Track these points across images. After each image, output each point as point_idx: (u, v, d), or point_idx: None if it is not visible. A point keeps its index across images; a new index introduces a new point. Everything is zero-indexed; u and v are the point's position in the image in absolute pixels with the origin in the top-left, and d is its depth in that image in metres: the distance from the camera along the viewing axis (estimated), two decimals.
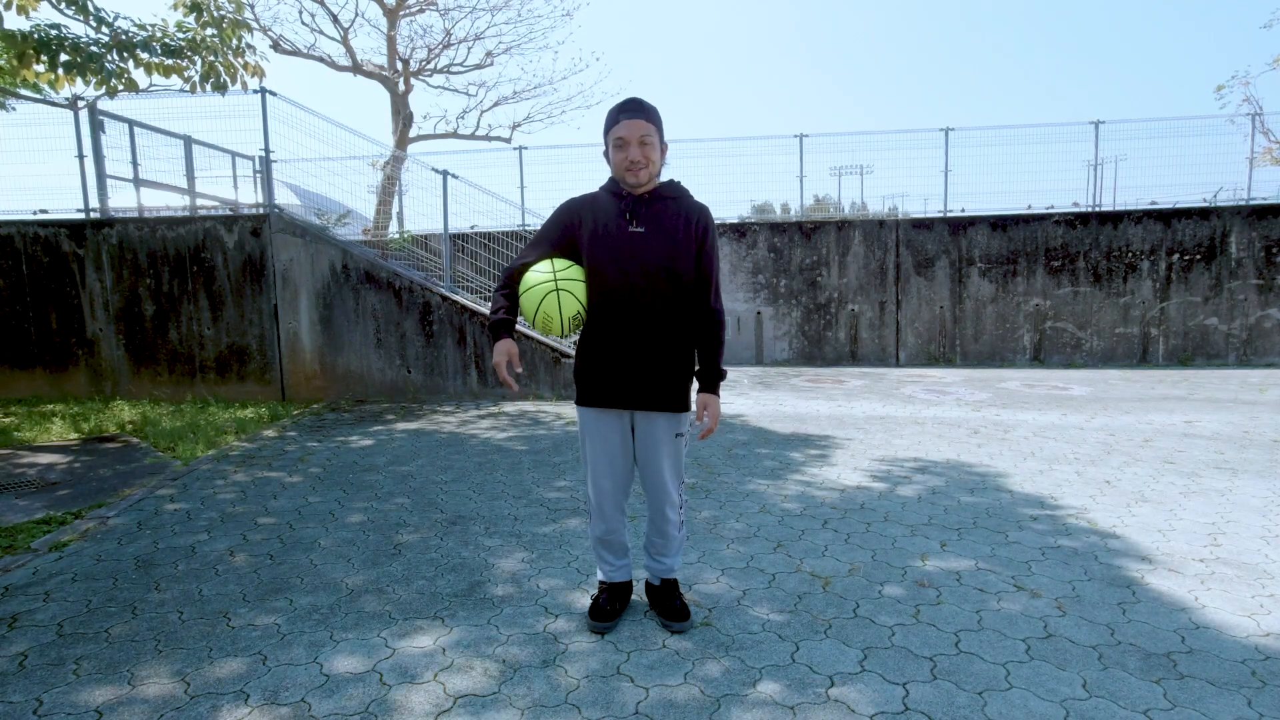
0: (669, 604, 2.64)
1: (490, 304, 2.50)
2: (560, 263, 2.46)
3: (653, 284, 2.41)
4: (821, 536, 3.51)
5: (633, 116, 2.35)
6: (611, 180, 2.49)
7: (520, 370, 2.42)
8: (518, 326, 2.68)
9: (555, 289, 2.39)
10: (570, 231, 2.49)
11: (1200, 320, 10.29)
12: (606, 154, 2.45)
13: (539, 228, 2.57)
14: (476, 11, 13.11)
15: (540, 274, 2.41)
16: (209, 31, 6.16)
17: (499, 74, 39.63)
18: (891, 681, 2.24)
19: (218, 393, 8.00)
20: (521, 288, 2.44)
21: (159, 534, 3.69)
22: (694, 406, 2.52)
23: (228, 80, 6.40)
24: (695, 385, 2.55)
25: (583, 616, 2.70)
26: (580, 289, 2.43)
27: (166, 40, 6.10)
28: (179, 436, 5.91)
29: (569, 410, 7.01)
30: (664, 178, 2.53)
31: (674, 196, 2.48)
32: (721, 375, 2.49)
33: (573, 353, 7.71)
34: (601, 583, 2.72)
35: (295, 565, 3.24)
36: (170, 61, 6.14)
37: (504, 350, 2.41)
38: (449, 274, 8.17)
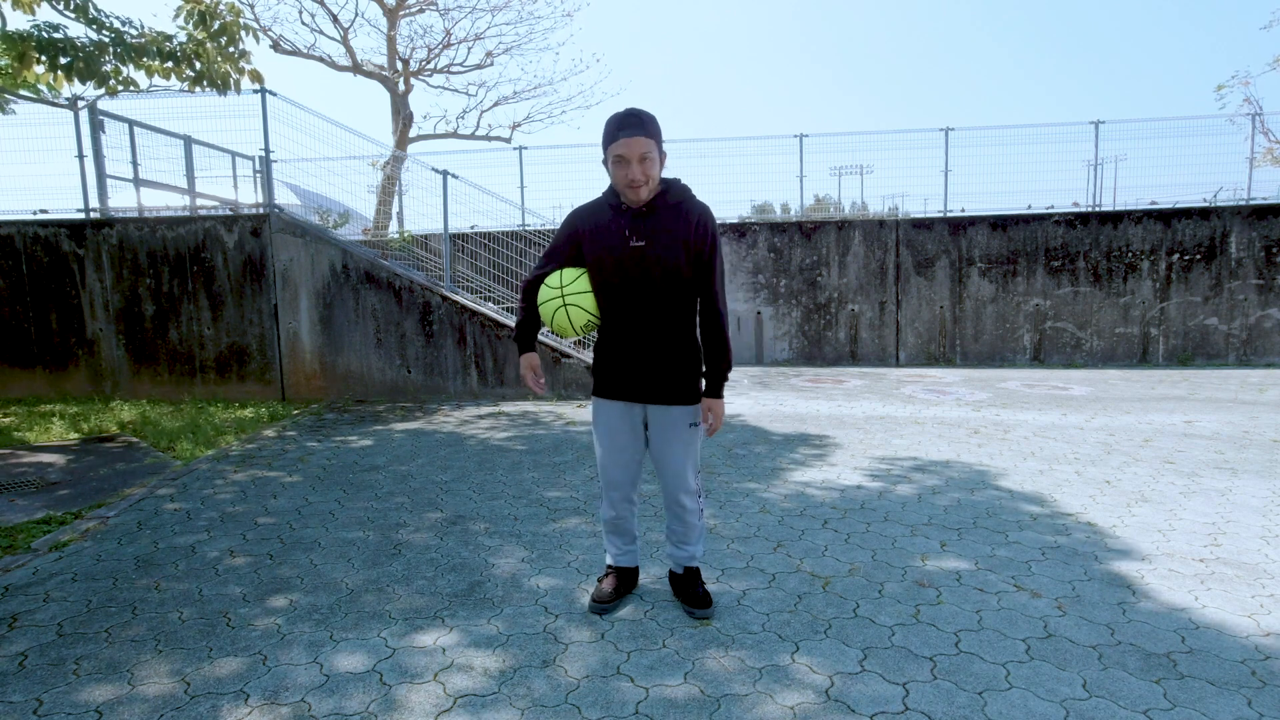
0: (691, 591, 2.72)
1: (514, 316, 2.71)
2: (569, 274, 2.56)
3: (656, 292, 2.48)
4: (821, 536, 3.51)
5: (632, 134, 2.34)
6: (612, 190, 2.53)
7: (543, 379, 2.68)
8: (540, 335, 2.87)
9: (563, 304, 2.53)
10: (574, 243, 2.59)
11: (1200, 320, 10.28)
12: (606, 164, 2.46)
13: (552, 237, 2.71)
14: (477, 11, 13.12)
15: (550, 289, 2.57)
16: (203, 36, 6.15)
17: (499, 74, 39.66)
18: (891, 681, 2.24)
19: (217, 393, 8.00)
20: (538, 300, 2.60)
21: (159, 534, 3.69)
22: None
23: (221, 83, 6.39)
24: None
25: (583, 616, 2.71)
26: (587, 300, 2.55)
27: (169, 47, 6.09)
28: (178, 436, 5.91)
29: (569, 410, 7.02)
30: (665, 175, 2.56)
31: (675, 201, 2.49)
32: (725, 377, 2.56)
33: (572, 353, 7.73)
34: (609, 566, 2.82)
35: (295, 565, 3.24)
36: (169, 65, 6.13)
37: (526, 364, 2.69)
38: (449, 274, 8.17)
